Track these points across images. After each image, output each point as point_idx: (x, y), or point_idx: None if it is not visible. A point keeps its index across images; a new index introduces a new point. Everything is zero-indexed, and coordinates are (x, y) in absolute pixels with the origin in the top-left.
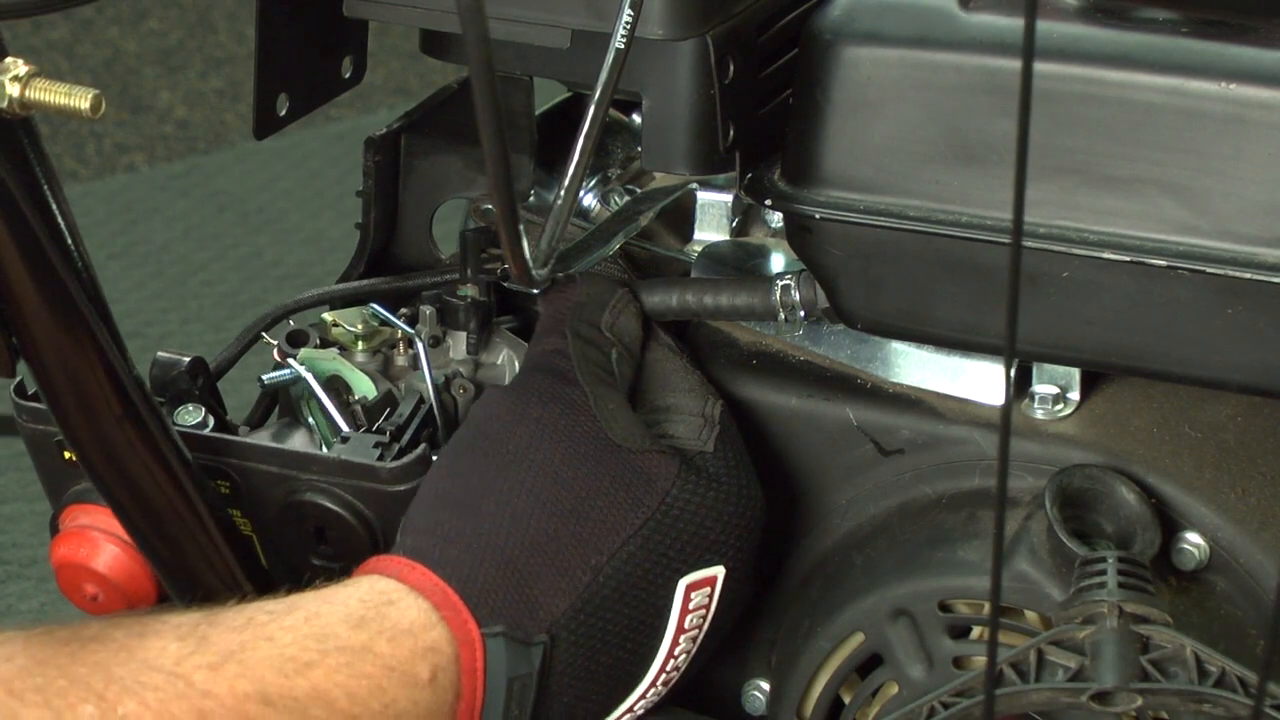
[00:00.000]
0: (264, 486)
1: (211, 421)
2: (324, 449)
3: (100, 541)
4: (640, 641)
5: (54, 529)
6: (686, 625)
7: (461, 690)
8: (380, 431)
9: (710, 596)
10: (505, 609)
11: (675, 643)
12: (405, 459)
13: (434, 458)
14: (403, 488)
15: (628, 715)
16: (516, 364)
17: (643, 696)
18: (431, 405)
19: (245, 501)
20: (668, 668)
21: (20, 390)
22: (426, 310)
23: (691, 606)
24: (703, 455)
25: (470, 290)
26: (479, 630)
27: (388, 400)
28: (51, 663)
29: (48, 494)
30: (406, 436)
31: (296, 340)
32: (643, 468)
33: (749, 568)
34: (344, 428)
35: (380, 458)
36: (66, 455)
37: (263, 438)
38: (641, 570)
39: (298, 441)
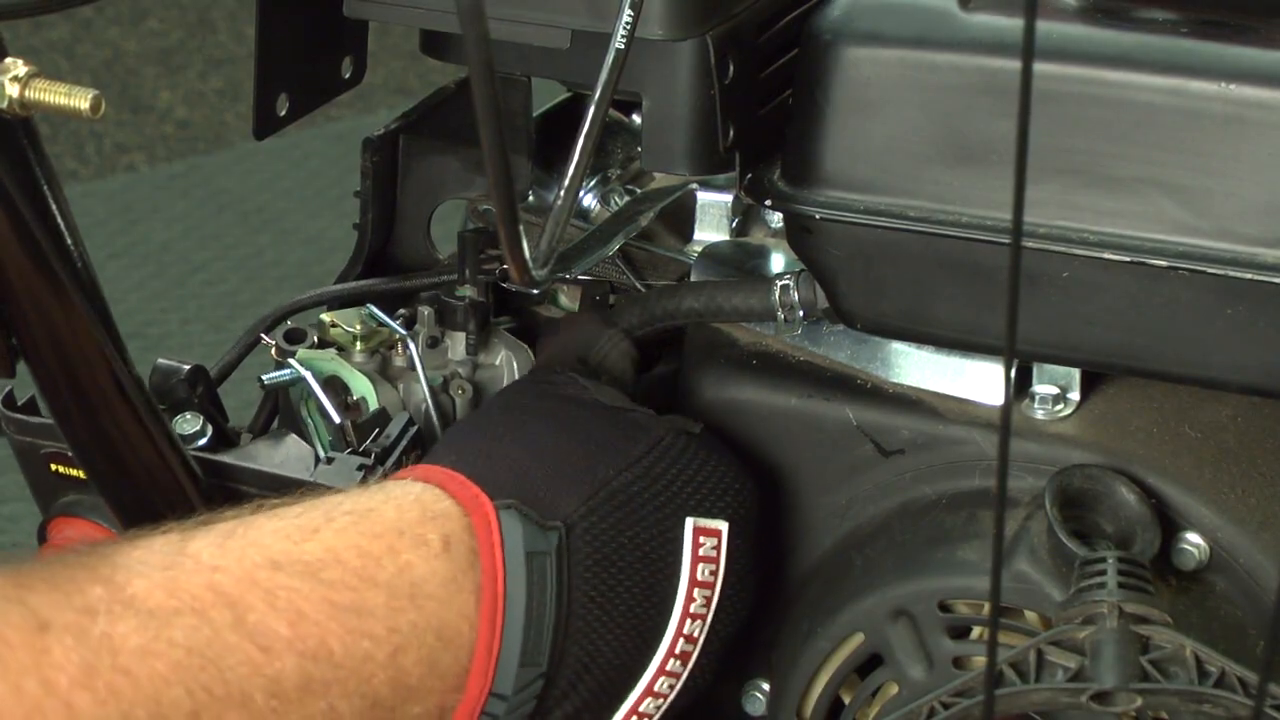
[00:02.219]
0: None
1: (210, 430)
2: (321, 451)
3: None
4: (656, 574)
5: (41, 538)
6: (699, 576)
7: (481, 565)
8: (366, 453)
9: (718, 550)
10: (515, 494)
11: (690, 596)
12: None
13: None
14: None
15: (648, 699)
16: (515, 365)
17: (661, 670)
18: (421, 425)
19: None
20: (685, 629)
21: (9, 401)
22: (425, 311)
23: (701, 553)
24: (689, 431)
25: (469, 291)
26: (490, 501)
27: (380, 418)
28: (56, 560)
29: (37, 503)
30: (391, 460)
31: (294, 338)
32: (634, 420)
33: (748, 551)
34: (333, 414)
35: (362, 481)
36: (53, 468)
37: (258, 448)
38: (646, 495)
39: (290, 450)
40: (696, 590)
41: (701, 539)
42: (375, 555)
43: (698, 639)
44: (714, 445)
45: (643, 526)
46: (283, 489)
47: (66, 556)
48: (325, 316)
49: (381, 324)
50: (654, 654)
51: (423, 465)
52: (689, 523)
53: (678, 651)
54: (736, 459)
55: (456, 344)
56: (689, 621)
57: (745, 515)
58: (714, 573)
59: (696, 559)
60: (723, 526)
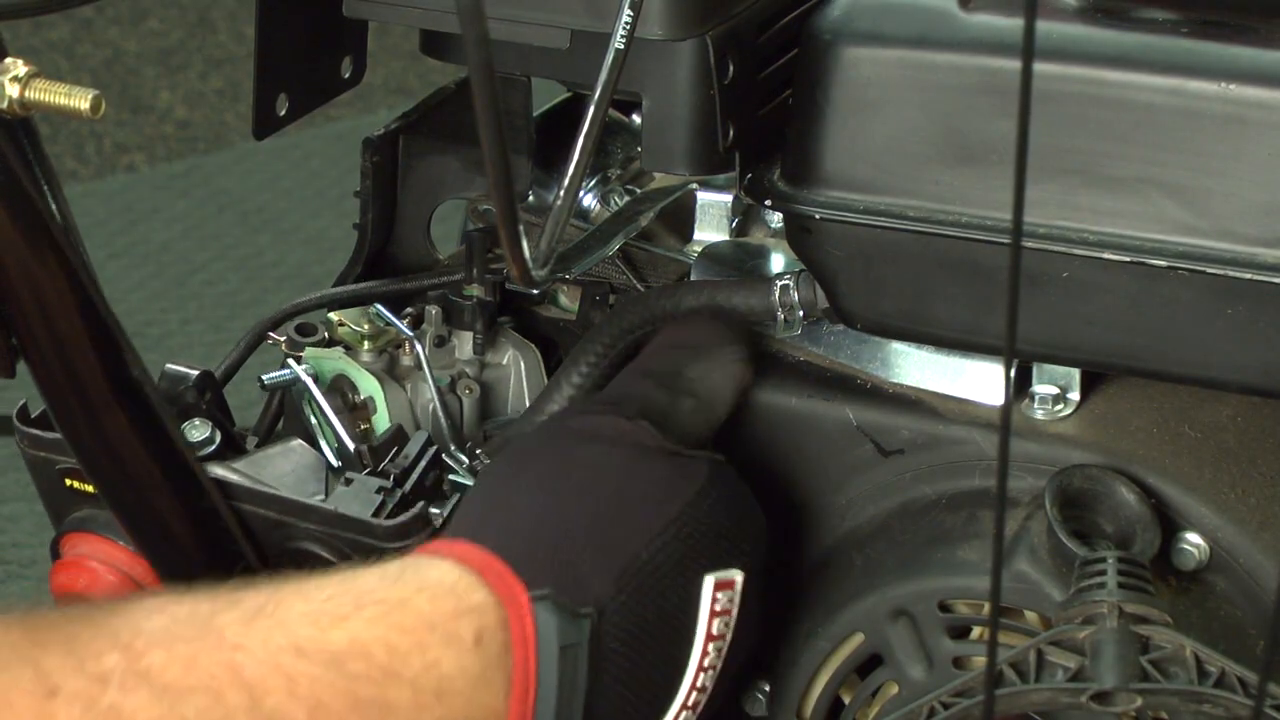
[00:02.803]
0: (263, 530)
1: (219, 437)
2: (330, 457)
3: (98, 572)
4: (676, 639)
5: (54, 553)
6: (714, 631)
7: (513, 660)
8: (385, 474)
9: (733, 602)
10: (550, 580)
11: (705, 651)
12: (402, 518)
13: (433, 510)
14: (399, 545)
15: None
16: (522, 364)
17: None
18: (428, 425)
19: (250, 538)
20: (698, 683)
21: (23, 415)
22: (432, 310)
23: (718, 608)
24: (722, 462)
25: (476, 290)
26: (526, 594)
27: (397, 438)
28: (80, 617)
29: (50, 517)
30: (411, 482)
31: (305, 332)
32: (680, 467)
33: (759, 587)
34: (343, 435)
35: (382, 504)
36: (68, 483)
37: (268, 459)
38: (676, 559)
39: (299, 459)
40: (711, 645)
41: (719, 594)
42: (403, 651)
43: (709, 688)
44: (734, 483)
45: (668, 596)
46: (299, 514)
47: (89, 611)
48: (333, 315)
49: (389, 324)
50: (668, 712)
51: (462, 543)
52: (708, 581)
53: (690, 703)
54: (750, 493)
55: (464, 343)
56: (702, 675)
57: (758, 557)
58: (728, 625)
59: (713, 614)
60: (739, 576)
